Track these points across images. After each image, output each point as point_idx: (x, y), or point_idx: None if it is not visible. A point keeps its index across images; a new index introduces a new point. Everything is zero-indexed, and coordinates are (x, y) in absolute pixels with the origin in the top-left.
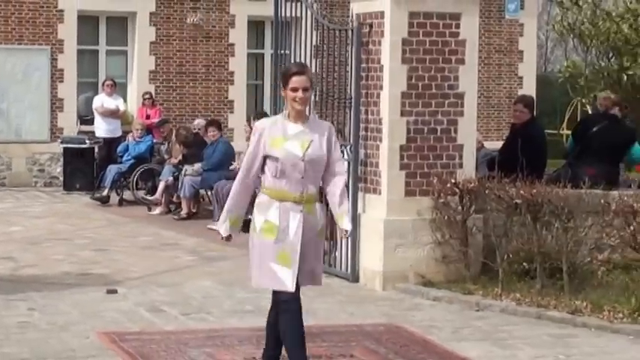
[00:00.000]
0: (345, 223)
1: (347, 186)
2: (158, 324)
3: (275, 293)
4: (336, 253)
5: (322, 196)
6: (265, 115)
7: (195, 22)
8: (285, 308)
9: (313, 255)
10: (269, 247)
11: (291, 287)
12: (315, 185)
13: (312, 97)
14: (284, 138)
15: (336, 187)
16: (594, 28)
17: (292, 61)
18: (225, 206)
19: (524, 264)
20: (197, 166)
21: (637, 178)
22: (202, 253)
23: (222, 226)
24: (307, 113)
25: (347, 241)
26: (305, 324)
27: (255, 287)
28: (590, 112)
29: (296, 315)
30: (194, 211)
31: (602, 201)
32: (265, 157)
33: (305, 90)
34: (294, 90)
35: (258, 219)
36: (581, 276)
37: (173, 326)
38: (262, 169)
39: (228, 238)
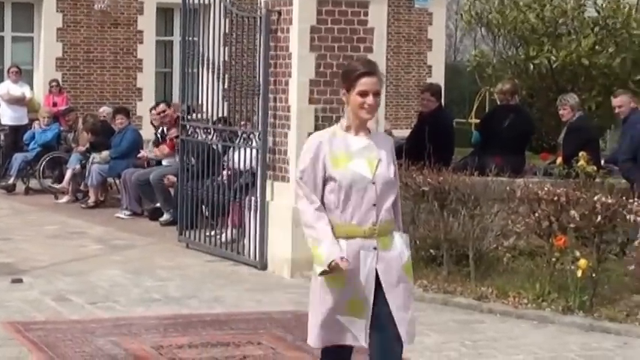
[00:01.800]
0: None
1: None
2: (64, 313)
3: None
4: (245, 241)
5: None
6: (167, 103)
7: (103, 9)
8: None
9: (407, 300)
10: (334, 299)
11: (364, 341)
12: (390, 213)
13: (222, 85)
14: (347, 155)
15: (402, 230)
16: (502, 18)
17: (203, 48)
18: (319, 235)
19: (432, 251)
20: (105, 154)
21: (542, 166)
22: (109, 241)
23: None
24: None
25: (255, 228)
26: (213, 311)
27: (316, 347)
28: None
29: None
30: (101, 199)
31: (508, 188)
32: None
33: (376, 94)
34: (363, 94)
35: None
36: (487, 262)
37: (79, 315)
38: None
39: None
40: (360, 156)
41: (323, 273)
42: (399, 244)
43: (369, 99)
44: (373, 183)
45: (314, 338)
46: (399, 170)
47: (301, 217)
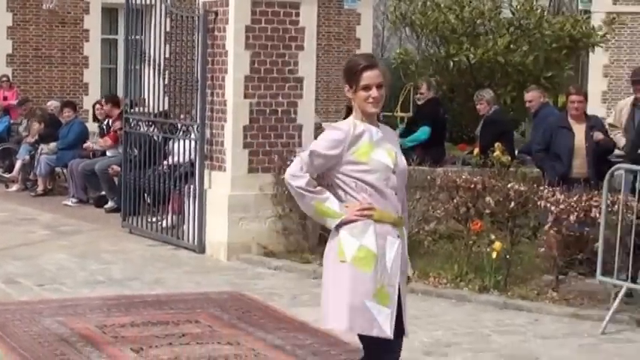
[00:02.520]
0: (410, 268)
1: None
2: (13, 295)
3: (366, 339)
4: (184, 227)
5: None
6: (115, 97)
7: (51, 8)
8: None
9: (406, 293)
10: (366, 282)
11: (390, 333)
12: (405, 205)
13: (163, 80)
14: (371, 145)
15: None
16: (424, 18)
17: (145, 46)
18: (320, 195)
19: None
20: (52, 145)
21: (460, 156)
22: (57, 227)
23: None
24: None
25: (194, 214)
26: (154, 292)
27: (345, 331)
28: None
29: None
30: (50, 187)
31: (429, 177)
32: (347, 168)
33: (379, 87)
34: (367, 88)
35: (349, 243)
36: (409, 245)
37: (28, 297)
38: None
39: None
40: (381, 146)
41: (340, 224)
42: (405, 238)
43: (373, 92)
44: (394, 172)
45: (340, 321)
46: None
47: (295, 190)
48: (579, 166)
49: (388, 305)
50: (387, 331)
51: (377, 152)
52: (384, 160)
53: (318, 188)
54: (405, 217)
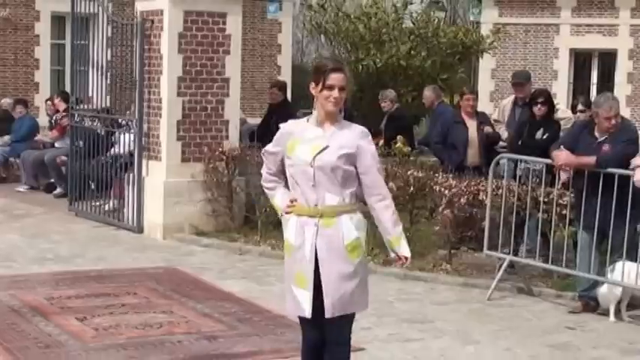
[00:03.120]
0: (402, 249)
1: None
2: None
3: (299, 320)
4: (124, 210)
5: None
6: (65, 94)
7: (5, 17)
8: (304, 337)
9: (340, 276)
10: (288, 268)
11: (307, 312)
12: (340, 195)
13: (105, 80)
14: (299, 141)
15: (381, 212)
16: (337, 27)
17: (90, 50)
18: (272, 191)
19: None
20: (6, 138)
21: None
22: (11, 211)
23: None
24: (339, 117)
25: (134, 199)
26: (97, 268)
27: (291, 315)
28: None
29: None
30: (4, 176)
31: None
32: (285, 162)
33: (341, 89)
34: (330, 88)
35: (285, 234)
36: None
37: None
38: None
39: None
40: (308, 143)
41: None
42: (345, 225)
43: (335, 92)
44: (311, 166)
45: (287, 308)
46: (253, 151)
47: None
48: (472, 155)
49: (306, 287)
50: (306, 310)
51: (300, 148)
52: (302, 156)
53: (272, 184)
54: (384, 207)
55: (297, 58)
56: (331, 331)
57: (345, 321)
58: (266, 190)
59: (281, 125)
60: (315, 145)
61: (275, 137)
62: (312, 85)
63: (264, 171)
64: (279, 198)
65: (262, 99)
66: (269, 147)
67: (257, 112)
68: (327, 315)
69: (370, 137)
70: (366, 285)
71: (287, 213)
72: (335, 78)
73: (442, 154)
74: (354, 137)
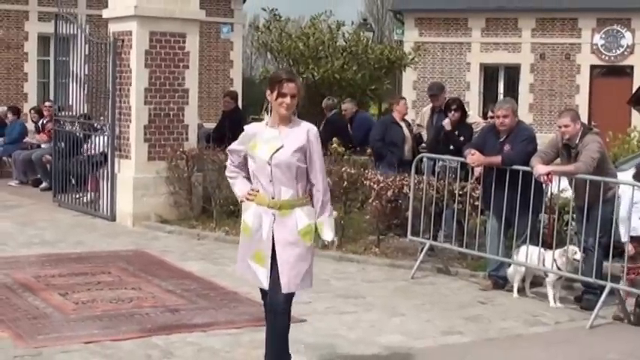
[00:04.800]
0: (324, 234)
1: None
2: None
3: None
4: (100, 201)
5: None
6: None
7: None
8: (268, 309)
9: (295, 258)
10: (246, 246)
11: (265, 284)
12: (294, 189)
13: (84, 91)
14: (260, 142)
15: (316, 200)
16: (280, 45)
17: (70, 65)
18: (233, 180)
19: (232, 206)
20: (0, 140)
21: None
22: (3, 202)
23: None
24: (292, 118)
25: (108, 192)
26: (76, 251)
27: (239, 277)
28: None
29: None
30: None
31: None
32: (248, 159)
33: (293, 97)
34: (283, 95)
35: (243, 217)
36: None
37: None
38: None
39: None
40: (267, 143)
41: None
42: (299, 215)
43: (287, 99)
44: (269, 164)
45: (237, 269)
46: (209, 150)
47: (226, 173)
48: (408, 151)
49: (264, 265)
50: (264, 283)
51: (260, 148)
52: (262, 155)
53: (234, 174)
54: (317, 197)
55: (246, 71)
56: (279, 302)
57: (291, 295)
58: (229, 179)
59: (245, 127)
60: (272, 145)
61: (240, 137)
62: (268, 92)
63: (228, 163)
64: (238, 186)
65: (217, 106)
66: (234, 145)
67: (212, 117)
68: (284, 290)
69: (317, 132)
70: (312, 266)
71: (247, 199)
72: (288, 87)
73: (382, 151)
74: (304, 133)
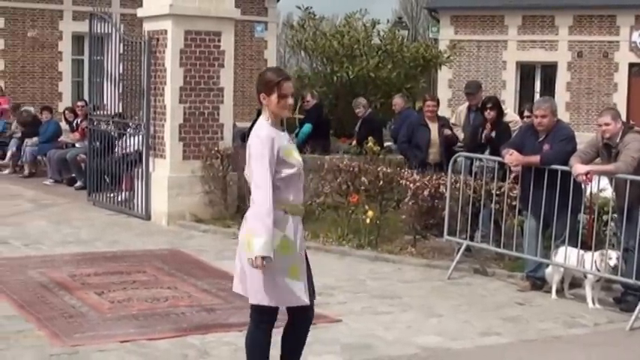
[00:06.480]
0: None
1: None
2: (5, 252)
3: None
4: (134, 200)
5: None
6: (85, 101)
7: (34, 36)
8: (302, 319)
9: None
10: (284, 263)
11: (306, 300)
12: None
13: (118, 90)
14: (291, 146)
15: None
16: (315, 44)
17: (105, 64)
18: (265, 228)
19: None
20: (35, 139)
21: (343, 147)
22: (39, 201)
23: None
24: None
25: (142, 191)
26: (111, 250)
27: (275, 305)
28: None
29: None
30: (33, 171)
31: (319, 162)
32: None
33: (292, 96)
34: (284, 96)
35: (284, 233)
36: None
37: (16, 254)
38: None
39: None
40: (291, 146)
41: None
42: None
43: (290, 100)
44: (302, 169)
45: (270, 299)
46: (244, 149)
47: (257, 207)
48: (434, 153)
49: (300, 278)
50: (305, 298)
51: (295, 153)
52: (300, 159)
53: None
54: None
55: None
56: (308, 311)
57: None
58: (266, 223)
59: (263, 132)
60: (294, 148)
61: (264, 142)
62: (263, 95)
63: (264, 198)
64: (266, 240)
65: (251, 105)
66: (266, 153)
67: (246, 116)
68: (314, 298)
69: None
70: None
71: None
72: (287, 87)
73: (407, 152)
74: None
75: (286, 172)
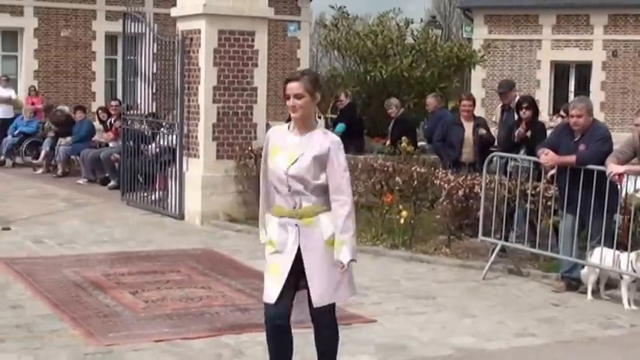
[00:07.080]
0: (341, 254)
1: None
2: (40, 251)
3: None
4: (168, 200)
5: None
6: (119, 101)
7: (67, 36)
8: (265, 320)
9: (325, 267)
10: (267, 260)
11: (272, 298)
12: (317, 196)
13: (151, 89)
14: (279, 149)
15: (337, 217)
16: (348, 44)
17: (138, 64)
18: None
19: None
20: (68, 138)
21: (376, 147)
22: (72, 200)
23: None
24: (312, 124)
25: (176, 190)
26: (145, 249)
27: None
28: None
29: (280, 334)
30: (67, 171)
31: (352, 162)
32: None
33: (297, 97)
34: (287, 97)
35: (267, 230)
36: None
37: (50, 253)
38: None
39: None
40: (286, 151)
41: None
42: (324, 222)
43: (291, 101)
44: (286, 174)
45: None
46: None
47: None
48: (468, 153)
49: (277, 276)
50: (272, 296)
51: (281, 155)
52: (280, 164)
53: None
54: (339, 212)
55: (312, 69)
56: (322, 316)
57: (332, 305)
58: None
59: (268, 132)
60: (292, 153)
61: (264, 146)
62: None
63: (261, 196)
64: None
65: (284, 105)
66: (263, 156)
67: (279, 116)
68: (317, 304)
69: (342, 146)
70: (351, 275)
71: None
72: (289, 87)
73: (441, 151)
74: (326, 143)
75: (269, 173)
